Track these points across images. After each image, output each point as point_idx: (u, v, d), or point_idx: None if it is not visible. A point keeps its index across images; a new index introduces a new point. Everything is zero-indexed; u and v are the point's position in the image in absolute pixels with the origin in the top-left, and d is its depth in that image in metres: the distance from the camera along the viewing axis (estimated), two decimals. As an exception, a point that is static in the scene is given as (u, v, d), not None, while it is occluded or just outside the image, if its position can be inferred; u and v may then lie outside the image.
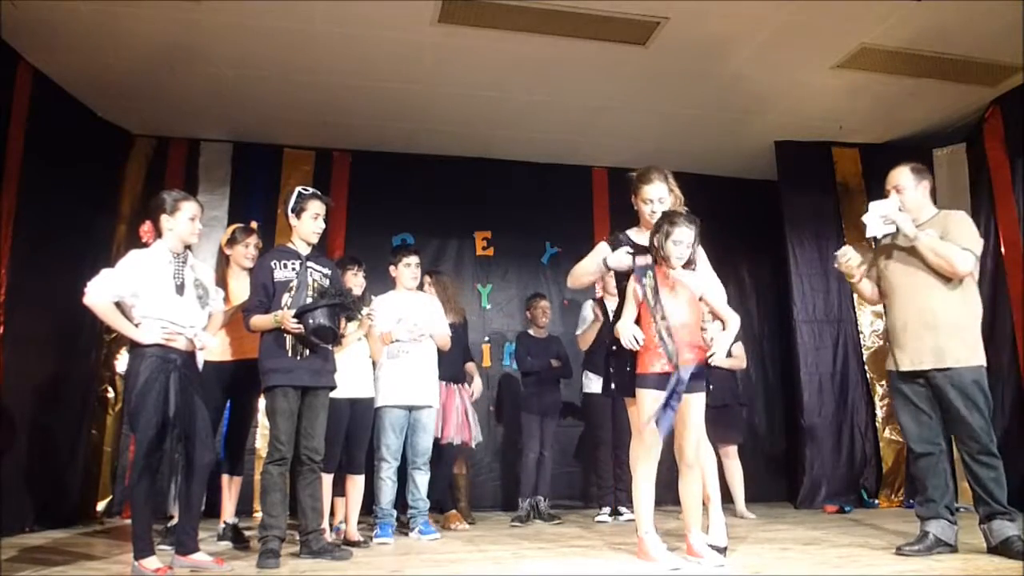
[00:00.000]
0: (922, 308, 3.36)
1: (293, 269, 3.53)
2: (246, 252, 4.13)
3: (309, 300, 3.47)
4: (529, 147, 6.17)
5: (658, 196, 3.40)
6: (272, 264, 3.53)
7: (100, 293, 3.13)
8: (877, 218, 3.42)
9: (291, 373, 3.43)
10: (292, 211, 3.61)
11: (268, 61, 4.75)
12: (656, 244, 3.25)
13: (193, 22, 4.30)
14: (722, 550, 3.31)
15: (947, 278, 3.33)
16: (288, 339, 3.44)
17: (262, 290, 3.50)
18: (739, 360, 5.36)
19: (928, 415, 3.40)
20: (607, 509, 5.06)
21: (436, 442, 4.65)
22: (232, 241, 4.13)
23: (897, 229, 3.40)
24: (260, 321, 3.47)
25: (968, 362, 3.31)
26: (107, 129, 5.44)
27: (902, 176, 3.49)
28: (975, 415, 3.28)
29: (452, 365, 4.74)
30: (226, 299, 3.75)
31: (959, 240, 3.33)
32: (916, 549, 3.28)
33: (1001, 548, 3.21)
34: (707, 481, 3.51)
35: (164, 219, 3.25)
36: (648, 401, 3.15)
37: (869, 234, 3.50)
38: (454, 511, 4.77)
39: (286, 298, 3.46)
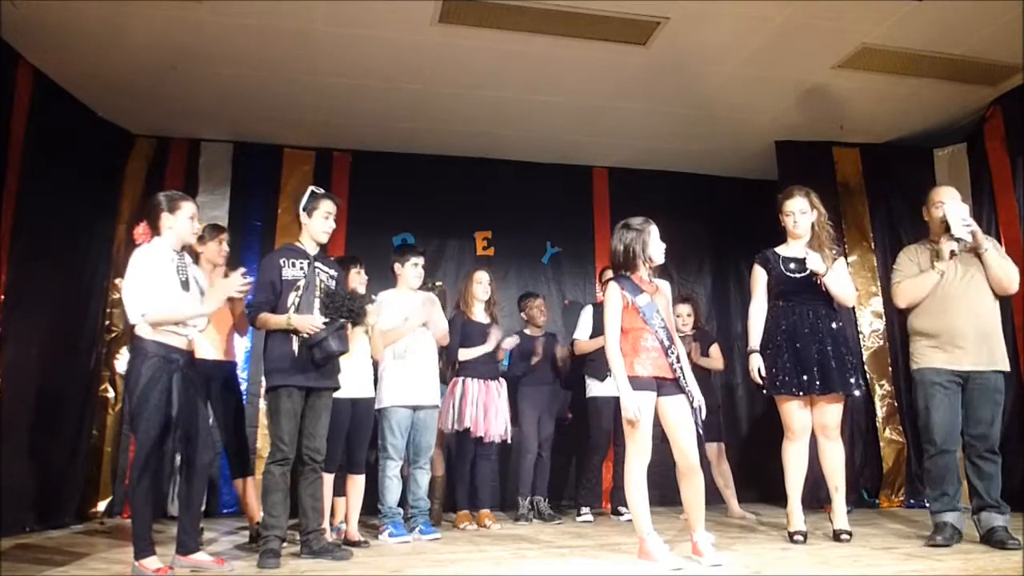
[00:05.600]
0: (980, 314, 3.65)
1: (301, 268, 3.52)
2: (219, 249, 4.12)
3: (316, 300, 3.48)
4: (529, 147, 6.16)
5: (798, 208, 3.85)
6: (281, 262, 3.52)
7: (156, 305, 3.09)
8: (960, 221, 3.58)
9: (296, 374, 3.43)
10: (304, 209, 3.60)
11: (268, 61, 4.75)
12: (635, 253, 3.35)
13: (193, 22, 4.30)
14: (848, 532, 3.72)
15: (1000, 288, 3.67)
16: (294, 339, 3.44)
17: (269, 287, 3.48)
18: (716, 360, 5.36)
19: (957, 414, 3.65)
20: (586, 509, 5.08)
21: (465, 440, 4.75)
22: (201, 239, 4.03)
23: (972, 235, 3.62)
24: (268, 320, 3.46)
25: (1003, 366, 3.66)
26: (107, 129, 5.44)
27: (956, 194, 3.78)
28: (996, 416, 3.60)
29: (488, 362, 4.81)
30: None
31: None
32: (946, 538, 3.50)
33: (987, 536, 3.50)
34: (838, 472, 3.85)
35: (164, 217, 3.24)
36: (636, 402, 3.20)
37: (956, 234, 3.62)
38: (464, 511, 4.76)
39: (292, 297, 3.46)
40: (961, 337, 3.64)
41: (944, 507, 3.60)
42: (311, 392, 3.49)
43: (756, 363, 3.82)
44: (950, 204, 3.64)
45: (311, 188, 3.68)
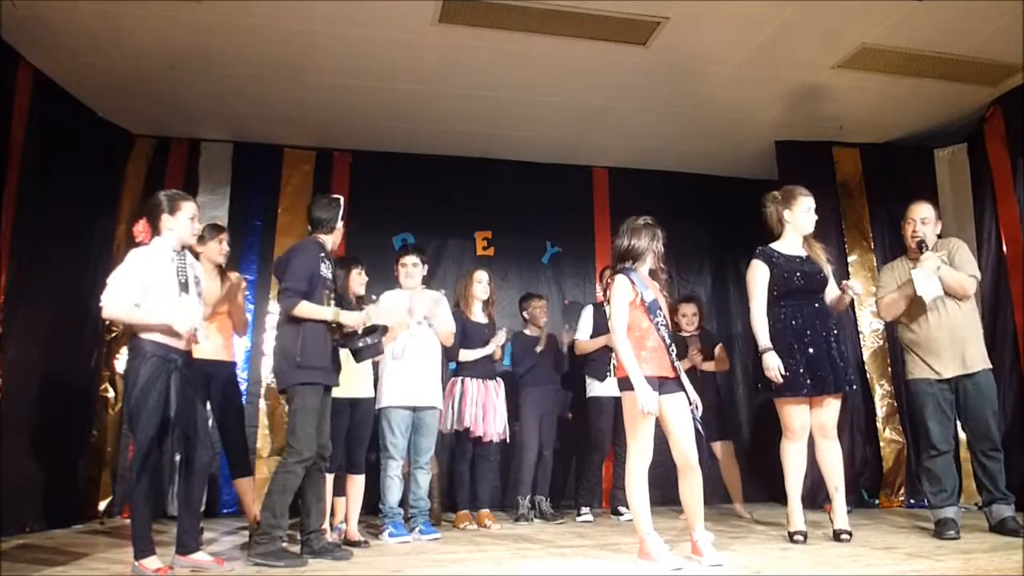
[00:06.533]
0: (953, 323, 3.90)
1: (330, 269, 3.57)
2: (219, 248, 4.14)
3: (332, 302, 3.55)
4: (529, 147, 6.17)
5: (812, 207, 3.92)
6: (320, 256, 3.53)
7: (118, 302, 3.08)
8: (925, 283, 3.83)
9: (327, 372, 3.46)
10: (342, 218, 3.67)
11: (268, 61, 4.75)
12: (648, 248, 3.41)
13: (193, 22, 4.30)
14: (849, 532, 3.73)
15: (958, 298, 3.92)
16: (329, 338, 3.45)
17: (309, 278, 3.46)
18: (721, 362, 5.33)
19: (950, 418, 3.92)
20: (586, 509, 5.08)
21: (464, 440, 4.76)
22: (201, 239, 3.99)
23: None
24: (313, 310, 3.44)
25: (985, 365, 3.90)
26: (107, 129, 5.44)
27: (929, 210, 4.05)
28: (990, 414, 3.85)
29: (486, 362, 4.82)
30: None
31: (965, 267, 3.93)
32: (956, 531, 3.72)
33: (998, 527, 3.78)
34: (837, 471, 3.85)
35: (165, 219, 3.23)
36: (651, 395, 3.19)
37: (925, 298, 3.85)
38: (465, 511, 4.76)
39: (325, 295, 3.48)
40: (939, 347, 3.90)
41: (944, 502, 3.83)
42: (324, 390, 3.52)
43: (775, 362, 3.72)
44: (916, 273, 3.84)
45: (340, 197, 3.72)
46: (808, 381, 3.73)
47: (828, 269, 3.89)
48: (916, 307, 3.95)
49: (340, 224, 3.68)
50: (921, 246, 3.92)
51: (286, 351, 3.43)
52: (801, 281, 3.84)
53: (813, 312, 3.83)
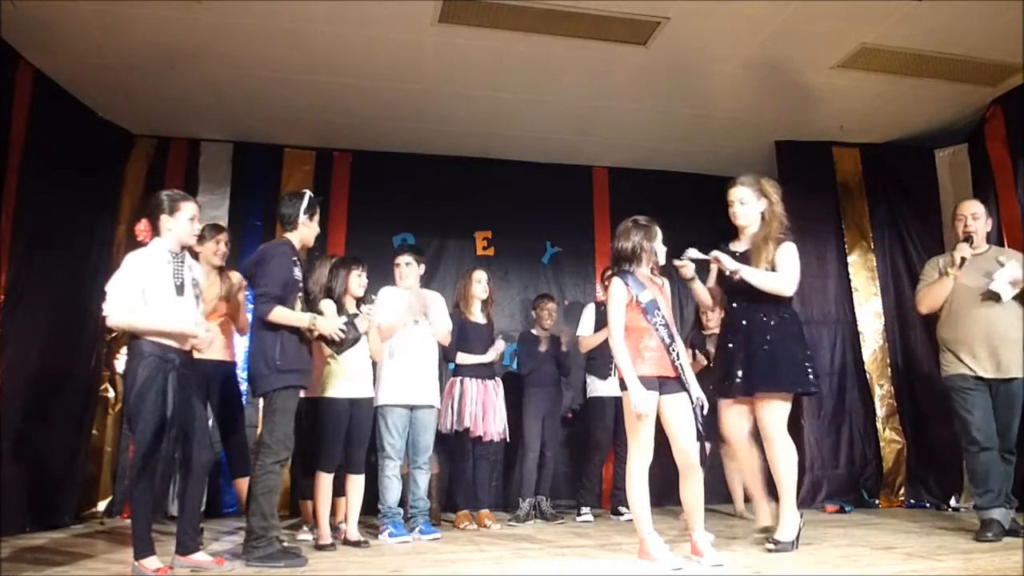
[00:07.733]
0: (992, 323, 3.85)
1: (300, 270, 3.56)
2: (217, 249, 4.14)
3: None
4: (529, 147, 6.16)
5: (738, 198, 3.63)
6: (293, 260, 3.52)
7: (121, 310, 3.08)
8: (1007, 286, 3.84)
9: (303, 375, 3.48)
10: (306, 212, 3.60)
11: (268, 61, 4.75)
12: (642, 249, 3.36)
13: (193, 22, 4.30)
14: (791, 543, 3.41)
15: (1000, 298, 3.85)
16: (306, 340, 3.48)
17: (284, 284, 3.45)
18: None
19: (990, 414, 3.85)
20: (586, 509, 5.07)
21: (463, 439, 4.75)
22: (201, 239, 3.96)
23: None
24: (288, 316, 3.43)
25: (1017, 373, 3.82)
26: (107, 129, 5.44)
27: (979, 206, 4.08)
28: (1013, 420, 3.83)
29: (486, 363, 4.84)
30: None
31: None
32: (995, 533, 3.63)
33: (983, 527, 3.72)
34: (778, 476, 3.46)
35: (164, 219, 3.23)
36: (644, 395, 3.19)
37: (994, 288, 3.84)
38: (465, 511, 4.76)
39: (294, 299, 3.47)
40: (975, 346, 3.86)
41: (990, 503, 3.74)
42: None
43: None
44: (1010, 265, 3.84)
45: (309, 192, 3.68)
46: (721, 384, 3.62)
47: (772, 265, 3.51)
48: (955, 304, 3.94)
49: (306, 218, 3.58)
50: (969, 240, 3.92)
51: (265, 355, 3.40)
52: (727, 280, 3.58)
53: (745, 312, 3.58)
